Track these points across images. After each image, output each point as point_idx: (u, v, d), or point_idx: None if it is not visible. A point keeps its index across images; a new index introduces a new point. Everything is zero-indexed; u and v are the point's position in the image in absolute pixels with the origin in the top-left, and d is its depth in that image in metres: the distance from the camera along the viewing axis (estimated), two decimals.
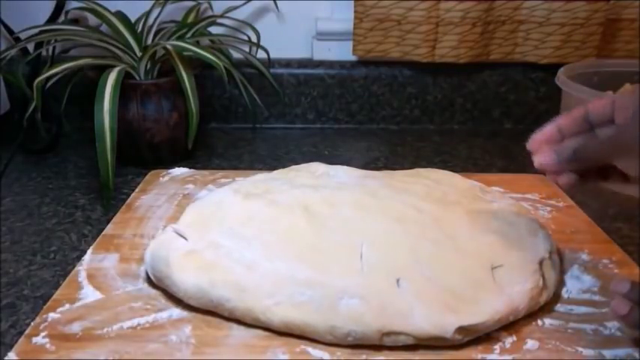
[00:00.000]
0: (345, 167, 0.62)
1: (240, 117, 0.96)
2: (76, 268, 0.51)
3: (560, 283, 0.49)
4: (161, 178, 0.69)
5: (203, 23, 0.84)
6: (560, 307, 0.46)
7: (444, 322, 0.41)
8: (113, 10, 0.80)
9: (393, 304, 0.42)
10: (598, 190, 0.54)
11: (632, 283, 0.39)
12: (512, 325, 0.43)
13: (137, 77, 0.77)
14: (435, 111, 0.95)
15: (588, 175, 0.43)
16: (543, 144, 0.44)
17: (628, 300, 0.39)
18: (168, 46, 0.73)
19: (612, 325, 0.44)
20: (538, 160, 0.43)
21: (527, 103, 0.95)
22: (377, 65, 0.93)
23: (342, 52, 0.94)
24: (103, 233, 0.57)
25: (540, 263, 0.47)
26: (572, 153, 0.41)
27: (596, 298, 0.47)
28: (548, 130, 0.44)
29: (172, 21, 0.88)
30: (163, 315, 0.45)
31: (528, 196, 0.65)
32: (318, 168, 0.61)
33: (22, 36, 0.80)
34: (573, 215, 0.61)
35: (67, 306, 0.46)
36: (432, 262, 0.46)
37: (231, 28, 0.92)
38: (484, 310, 0.42)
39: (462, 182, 0.58)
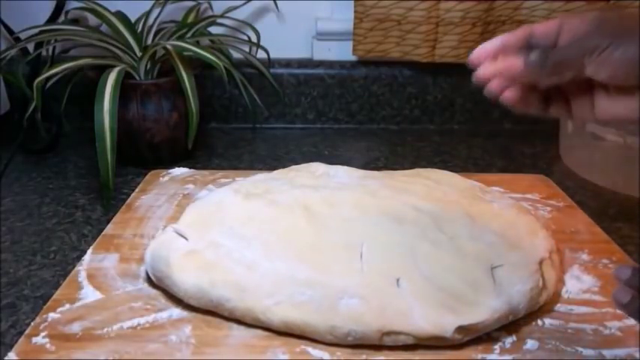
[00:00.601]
0: (345, 167, 0.62)
1: (240, 117, 0.96)
2: (76, 268, 0.51)
3: (560, 283, 0.49)
4: (161, 178, 0.69)
5: (203, 23, 0.84)
6: (560, 307, 0.46)
7: (444, 321, 0.41)
8: (113, 10, 0.80)
9: (392, 304, 0.42)
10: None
11: (633, 270, 0.38)
12: (512, 325, 0.43)
13: (137, 77, 0.77)
14: (435, 111, 0.95)
15: (531, 101, 0.42)
16: (487, 58, 0.41)
17: (629, 287, 0.38)
18: (168, 46, 0.73)
19: (612, 325, 0.44)
20: (487, 70, 0.40)
21: None
22: (377, 65, 0.93)
23: (342, 52, 0.94)
24: (103, 233, 0.57)
25: (540, 263, 0.47)
26: (545, 57, 0.39)
27: (596, 298, 0.47)
28: (491, 45, 0.41)
29: (172, 21, 0.88)
30: (163, 315, 0.45)
31: (528, 196, 0.65)
32: (318, 168, 0.61)
33: (22, 36, 0.80)
34: (573, 215, 0.61)
35: (67, 306, 0.46)
36: (432, 262, 0.46)
37: (231, 28, 0.92)
38: (483, 310, 0.42)
39: (462, 182, 0.58)
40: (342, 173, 0.60)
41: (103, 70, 0.70)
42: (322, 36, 0.94)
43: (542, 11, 0.86)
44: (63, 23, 0.82)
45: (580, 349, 0.42)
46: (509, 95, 0.41)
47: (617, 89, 0.40)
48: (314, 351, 0.42)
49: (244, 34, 0.91)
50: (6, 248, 0.58)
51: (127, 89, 0.72)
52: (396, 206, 0.52)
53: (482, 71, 0.41)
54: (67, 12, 0.85)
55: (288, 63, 0.94)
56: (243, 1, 0.89)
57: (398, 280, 0.44)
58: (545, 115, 0.44)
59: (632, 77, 0.38)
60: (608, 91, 0.41)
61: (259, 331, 0.43)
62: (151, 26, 0.81)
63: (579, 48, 0.38)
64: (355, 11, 0.87)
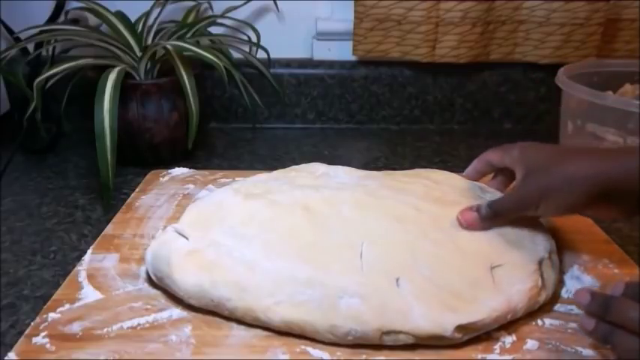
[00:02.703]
0: (345, 167, 0.62)
1: (240, 117, 0.96)
2: (76, 268, 0.51)
3: (560, 283, 0.49)
4: (161, 178, 0.69)
5: (203, 23, 0.84)
6: (560, 307, 0.46)
7: (443, 320, 0.41)
8: (113, 10, 0.80)
9: (392, 304, 0.42)
10: None
11: (592, 295, 0.38)
12: (512, 325, 0.43)
13: (137, 77, 0.77)
14: (435, 111, 0.95)
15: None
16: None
17: (591, 314, 0.38)
18: (169, 46, 0.73)
19: None
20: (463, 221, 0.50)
21: (527, 103, 0.95)
22: (377, 65, 0.93)
23: (342, 52, 0.94)
24: (103, 233, 0.57)
25: (540, 263, 0.47)
26: (490, 209, 0.49)
27: None
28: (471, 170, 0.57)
29: (172, 21, 0.88)
30: (163, 315, 0.45)
31: None
32: (318, 168, 0.61)
33: (22, 36, 0.80)
34: (573, 215, 0.61)
35: (67, 306, 0.46)
36: (432, 261, 0.46)
37: (231, 28, 0.92)
38: (483, 309, 0.42)
39: (462, 182, 0.58)
40: (342, 173, 0.60)
41: (103, 70, 0.70)
42: (322, 36, 0.94)
43: (542, 11, 0.86)
44: (63, 23, 0.82)
45: (580, 349, 0.42)
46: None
47: None
48: (314, 351, 0.42)
49: (244, 34, 0.91)
50: (6, 248, 0.58)
51: (127, 89, 0.72)
52: (395, 206, 0.52)
53: (462, 222, 0.50)
54: (67, 12, 0.85)
55: (288, 63, 0.94)
56: (243, 1, 0.89)
57: (398, 280, 0.44)
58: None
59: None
60: None
61: (259, 331, 0.43)
62: (151, 26, 0.81)
63: (517, 204, 0.48)
64: (355, 11, 0.87)
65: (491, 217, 0.48)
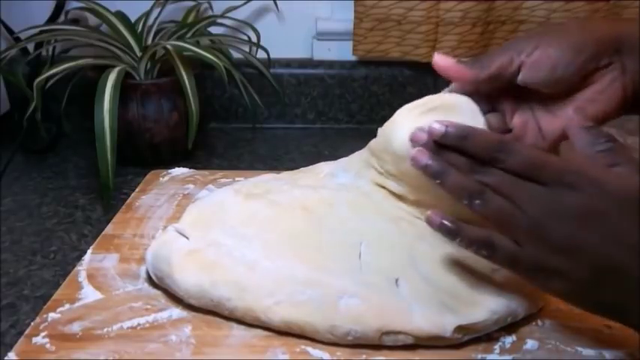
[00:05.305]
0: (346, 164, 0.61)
1: (240, 117, 0.96)
2: (76, 268, 0.51)
3: None
4: (161, 178, 0.69)
5: (203, 23, 0.84)
6: (560, 307, 0.46)
7: (443, 321, 0.41)
8: (113, 10, 0.80)
9: (392, 304, 0.42)
10: None
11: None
12: (512, 325, 0.43)
13: (137, 77, 0.77)
14: None
15: None
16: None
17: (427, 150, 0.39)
18: (169, 46, 0.73)
19: (613, 325, 0.44)
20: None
21: None
22: (377, 65, 0.93)
23: (342, 52, 0.94)
24: (103, 233, 0.57)
25: None
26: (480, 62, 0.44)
27: None
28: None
29: (172, 21, 0.88)
30: (163, 315, 0.45)
31: None
32: (323, 169, 0.61)
33: (22, 36, 0.80)
34: None
35: (67, 306, 0.46)
36: (431, 262, 0.45)
37: (231, 28, 0.92)
38: (483, 310, 0.42)
39: None
40: (343, 174, 0.60)
41: (103, 70, 0.70)
42: (322, 36, 0.94)
43: (542, 11, 0.86)
44: (63, 23, 0.82)
45: (580, 349, 0.42)
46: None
47: (552, 100, 0.45)
48: (314, 351, 0.42)
49: (244, 34, 0.91)
50: (6, 248, 0.58)
51: (127, 89, 0.72)
52: (393, 206, 0.52)
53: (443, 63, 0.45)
54: (67, 12, 0.85)
55: (288, 63, 0.94)
56: (243, 1, 0.89)
57: (397, 280, 0.44)
58: None
59: (552, 79, 0.42)
60: (547, 107, 0.45)
61: (259, 331, 0.43)
62: (151, 26, 0.81)
63: (509, 49, 0.43)
64: (355, 11, 0.87)
65: (478, 68, 0.44)
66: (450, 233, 0.38)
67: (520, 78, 0.43)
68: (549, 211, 0.35)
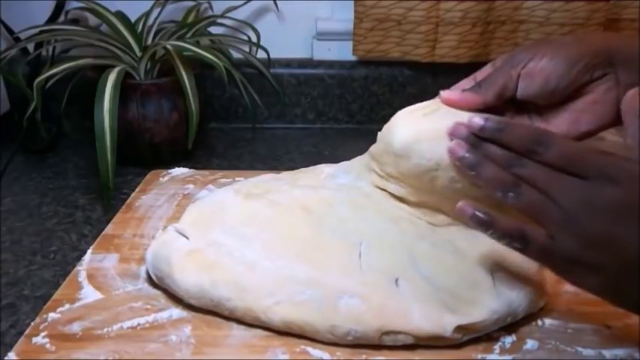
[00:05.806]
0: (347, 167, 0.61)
1: (240, 117, 0.95)
2: (76, 268, 0.51)
3: (560, 283, 0.49)
4: (161, 178, 0.69)
5: (203, 23, 0.84)
6: (560, 307, 0.46)
7: (443, 321, 0.41)
8: (113, 10, 0.80)
9: (392, 304, 0.42)
10: None
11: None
12: (512, 325, 0.44)
13: (137, 77, 0.77)
14: None
15: None
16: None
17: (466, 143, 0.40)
18: (169, 46, 0.73)
19: (612, 325, 0.44)
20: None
21: None
22: (377, 65, 0.93)
23: (342, 52, 0.93)
24: (103, 233, 0.57)
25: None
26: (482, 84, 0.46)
27: (596, 297, 0.47)
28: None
29: (172, 21, 0.88)
30: (163, 315, 0.45)
31: None
32: (323, 170, 0.61)
33: (22, 36, 0.80)
34: None
35: (67, 306, 0.46)
36: (431, 262, 0.45)
37: (231, 28, 0.92)
38: (483, 310, 0.42)
39: None
40: (343, 175, 0.60)
41: (103, 70, 0.69)
42: (322, 36, 0.94)
43: (542, 11, 0.85)
44: (63, 23, 0.82)
45: (580, 349, 0.42)
46: None
47: (548, 109, 0.46)
48: (314, 351, 0.42)
49: (244, 34, 0.91)
50: (6, 248, 0.58)
51: (127, 89, 0.72)
52: (394, 206, 0.52)
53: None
54: (67, 12, 0.85)
55: (288, 63, 0.94)
56: (243, 1, 0.89)
57: (397, 280, 0.44)
58: None
59: (547, 90, 0.43)
60: (543, 116, 0.46)
61: (259, 331, 0.43)
62: (151, 26, 0.81)
63: (506, 64, 0.45)
64: (355, 11, 0.87)
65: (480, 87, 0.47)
66: (482, 224, 0.38)
67: (519, 93, 0.44)
68: (586, 204, 0.34)
